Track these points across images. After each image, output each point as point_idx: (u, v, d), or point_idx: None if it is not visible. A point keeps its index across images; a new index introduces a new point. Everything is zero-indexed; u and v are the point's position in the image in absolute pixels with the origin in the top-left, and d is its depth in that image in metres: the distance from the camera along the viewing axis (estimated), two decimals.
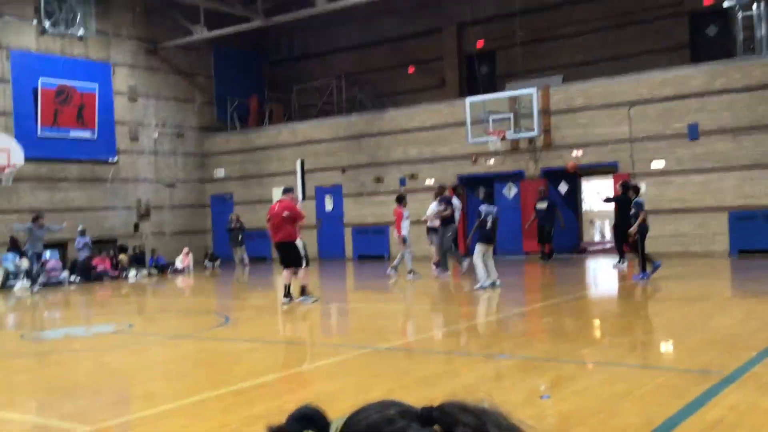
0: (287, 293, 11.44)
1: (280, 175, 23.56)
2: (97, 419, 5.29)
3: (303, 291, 11.64)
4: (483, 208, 12.40)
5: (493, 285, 12.15)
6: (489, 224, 12.23)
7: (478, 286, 12.05)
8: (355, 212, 22.34)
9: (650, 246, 17.55)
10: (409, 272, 15.00)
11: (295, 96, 25.80)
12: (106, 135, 22.12)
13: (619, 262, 15.32)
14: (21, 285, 17.86)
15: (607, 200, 15.74)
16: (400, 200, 15.54)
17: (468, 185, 20.67)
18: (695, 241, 17.11)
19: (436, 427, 1.38)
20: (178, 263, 21.27)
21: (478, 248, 12.25)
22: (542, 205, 17.47)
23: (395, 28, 24.09)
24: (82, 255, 19.90)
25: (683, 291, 11.48)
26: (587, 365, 6.59)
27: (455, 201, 15.85)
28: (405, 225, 15.21)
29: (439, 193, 15.27)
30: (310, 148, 23.03)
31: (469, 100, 19.54)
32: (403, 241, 15.27)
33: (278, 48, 27.12)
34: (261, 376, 6.41)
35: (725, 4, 18.09)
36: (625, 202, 14.05)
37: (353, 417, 1.52)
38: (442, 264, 15.23)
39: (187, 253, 21.59)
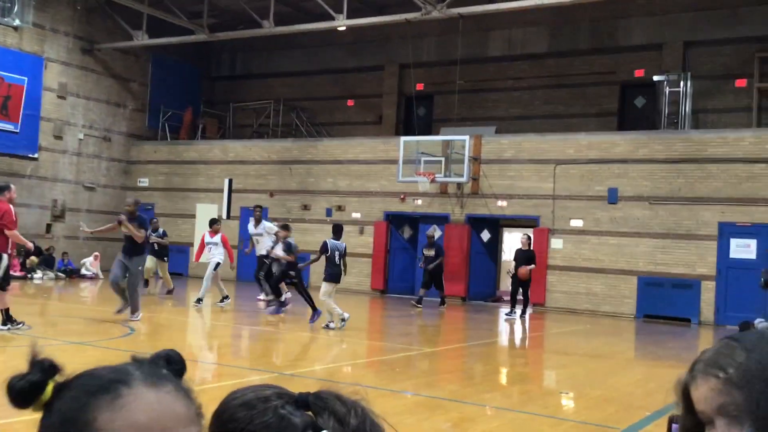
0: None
1: (206, 191, 23.22)
2: None
3: (6, 317, 9.51)
4: (330, 243, 11.51)
5: (342, 321, 11.46)
6: (337, 260, 11.47)
7: (331, 323, 11.42)
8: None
9: (564, 302, 18.06)
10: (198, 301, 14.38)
11: (231, 114, 25.60)
12: (30, 130, 21.37)
13: (510, 312, 15.81)
14: None
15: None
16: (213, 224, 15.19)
17: (394, 223, 20.83)
18: (605, 302, 17.66)
19: (309, 412, 1.43)
20: (86, 268, 20.47)
21: (326, 287, 11.41)
22: (429, 252, 17.16)
23: (339, 60, 24.29)
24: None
25: (589, 348, 11.80)
26: (489, 409, 6.68)
27: (268, 225, 15.87)
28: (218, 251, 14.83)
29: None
30: (240, 167, 22.81)
31: (403, 139, 19.79)
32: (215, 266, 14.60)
33: (219, 64, 26.92)
34: None
35: (655, 78, 19.00)
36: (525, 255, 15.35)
37: (230, 395, 1.54)
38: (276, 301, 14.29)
39: (97, 258, 20.84)
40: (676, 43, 19.72)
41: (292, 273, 12.84)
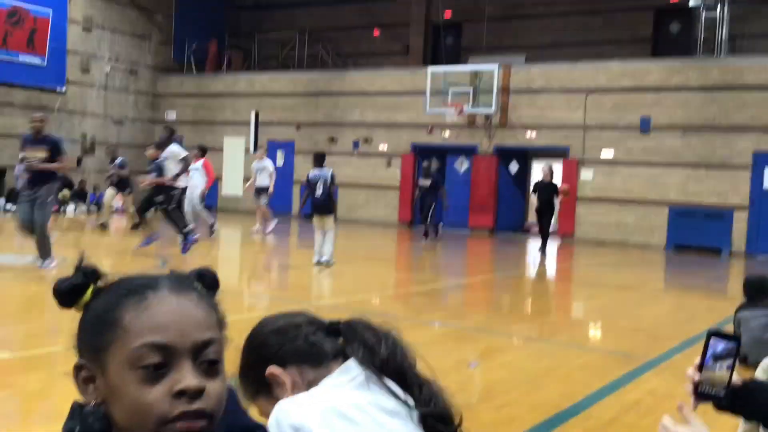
0: None
1: (233, 125, 23.20)
2: (19, 347, 5.19)
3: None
4: (311, 173, 10.73)
5: (319, 263, 10.60)
6: (319, 191, 10.46)
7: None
8: (307, 170, 22.11)
9: (594, 233, 17.95)
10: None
11: (257, 46, 25.32)
12: (57, 63, 21.38)
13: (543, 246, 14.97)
14: None
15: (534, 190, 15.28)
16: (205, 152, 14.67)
17: (421, 155, 20.70)
18: (635, 233, 17.52)
19: (339, 339, 1.44)
20: (115, 202, 20.65)
21: (327, 223, 10.62)
22: (425, 183, 16.25)
23: None
24: (21, 183, 19.31)
25: (618, 279, 11.77)
26: (516, 339, 6.73)
27: (267, 162, 15.80)
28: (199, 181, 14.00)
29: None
30: (266, 100, 22.70)
31: (431, 69, 19.49)
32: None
33: None
34: None
35: (690, 3, 18.35)
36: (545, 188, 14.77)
37: (262, 321, 1.55)
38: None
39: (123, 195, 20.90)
40: None
41: (160, 198, 11.54)
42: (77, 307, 0.96)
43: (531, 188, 15.38)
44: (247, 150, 22.41)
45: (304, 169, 22.11)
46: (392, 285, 10.35)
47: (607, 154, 17.95)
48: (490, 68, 18.64)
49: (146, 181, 11.74)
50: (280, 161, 22.75)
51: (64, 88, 21.70)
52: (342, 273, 10.72)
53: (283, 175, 22.68)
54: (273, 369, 1.41)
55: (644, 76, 17.57)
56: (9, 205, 18.74)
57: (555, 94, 18.52)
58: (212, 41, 24.83)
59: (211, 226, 13.84)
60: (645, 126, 17.37)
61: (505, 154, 19.47)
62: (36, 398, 4.19)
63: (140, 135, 24.07)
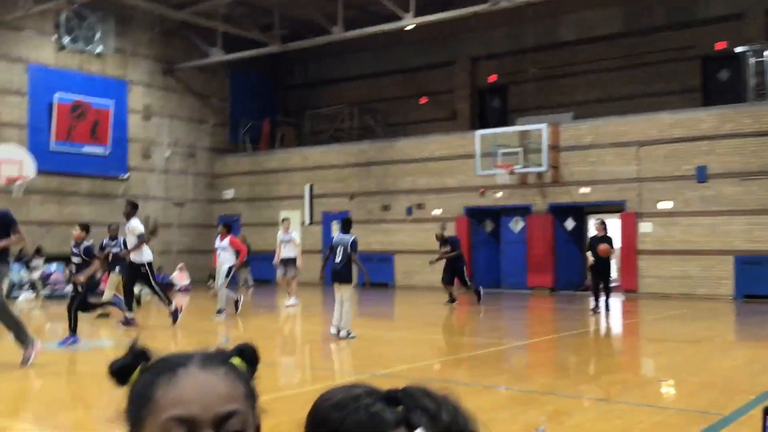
0: None
1: (288, 199, 23.66)
2: (91, 431, 5.31)
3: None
4: (335, 237, 10.52)
5: (338, 334, 10.11)
6: (338, 257, 10.05)
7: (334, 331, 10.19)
8: (362, 239, 22.28)
9: (657, 287, 17.52)
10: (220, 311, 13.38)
11: (307, 121, 26.01)
12: (119, 151, 22.32)
13: (596, 307, 14.06)
14: (25, 296, 17.94)
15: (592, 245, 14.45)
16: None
17: (474, 217, 20.71)
18: (701, 284, 17.04)
19: (399, 408, 1.45)
20: (177, 281, 21.11)
21: (343, 291, 10.18)
22: (445, 249, 16.33)
23: (409, 59, 24.33)
24: None
25: (686, 333, 11.43)
26: (585, 401, 6.57)
27: (294, 234, 16.13)
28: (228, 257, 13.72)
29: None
30: (319, 173, 23.16)
31: (479, 132, 19.67)
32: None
33: (292, 73, 27.40)
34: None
35: (737, 50, 18.23)
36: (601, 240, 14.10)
37: (321, 397, 1.59)
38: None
39: (182, 268, 21.35)
40: (756, 11, 18.87)
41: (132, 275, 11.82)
42: (128, 384, 1.06)
43: (587, 245, 14.66)
44: (302, 223, 22.77)
45: (360, 239, 22.28)
46: (453, 350, 10.26)
47: (664, 205, 17.67)
48: (538, 128, 18.72)
49: (80, 278, 10.35)
50: (335, 232, 23.02)
51: (126, 175, 22.56)
52: (400, 340, 10.69)
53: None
54: None
55: (696, 124, 17.38)
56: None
57: (606, 149, 18.43)
58: (265, 120, 25.64)
59: (236, 302, 13.65)
60: (701, 175, 17.09)
61: (559, 212, 19.33)
62: None
63: (200, 215, 24.76)
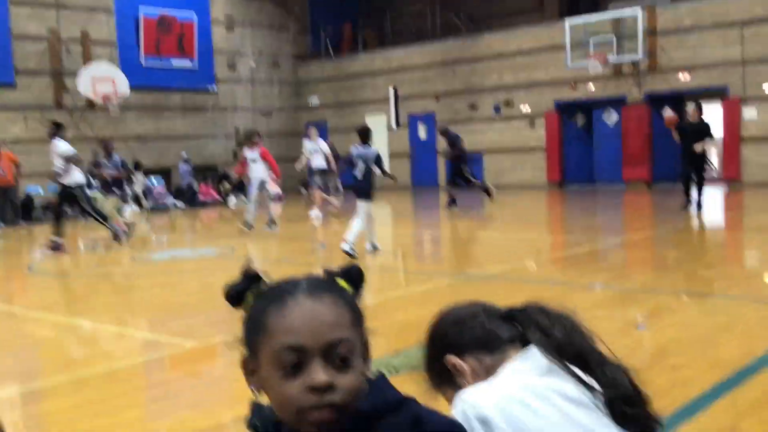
0: None
1: (373, 103, 23.54)
2: (202, 336, 5.60)
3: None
4: (354, 150, 9.40)
5: (375, 249, 9.43)
6: (360, 173, 9.23)
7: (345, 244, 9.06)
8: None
9: (763, 175, 16.70)
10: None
11: (388, 22, 25.46)
12: (206, 64, 22.60)
13: (686, 204, 12.65)
14: (130, 209, 18.82)
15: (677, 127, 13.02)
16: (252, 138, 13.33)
17: (566, 112, 20.08)
18: None
19: (514, 325, 1.46)
20: (270, 190, 21.38)
21: (360, 205, 9.27)
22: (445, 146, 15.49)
23: None
24: (186, 181, 20.73)
25: None
26: (686, 297, 6.42)
27: (321, 143, 15.07)
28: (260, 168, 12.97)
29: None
30: (403, 74, 22.83)
31: (568, 21, 18.79)
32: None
33: None
34: None
35: None
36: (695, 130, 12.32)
37: (443, 313, 1.62)
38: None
39: (273, 178, 21.46)
40: None
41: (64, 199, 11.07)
42: (243, 307, 1.11)
43: (677, 134, 12.82)
44: (389, 127, 22.69)
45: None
46: (548, 249, 10.17)
47: None
48: (633, 13, 17.69)
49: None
50: (422, 134, 22.88)
51: (215, 87, 22.90)
52: (493, 240, 10.67)
53: (426, 147, 22.80)
54: (451, 358, 1.46)
55: None
56: (177, 203, 20.13)
57: (707, 31, 17.31)
58: (346, 24, 25.27)
59: (270, 220, 12.81)
60: None
61: (657, 101, 18.47)
62: (220, 384, 4.51)
63: (287, 123, 25.03)
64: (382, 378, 1.12)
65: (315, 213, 14.66)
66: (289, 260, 9.64)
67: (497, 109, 21.02)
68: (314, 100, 25.28)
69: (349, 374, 1.03)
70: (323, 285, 1.09)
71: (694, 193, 12.45)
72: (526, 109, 20.42)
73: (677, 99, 18.89)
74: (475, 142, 21.51)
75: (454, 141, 15.32)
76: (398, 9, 25.31)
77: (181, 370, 4.94)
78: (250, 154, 12.97)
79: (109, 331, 6.12)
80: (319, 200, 14.88)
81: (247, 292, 1.11)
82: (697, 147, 12.20)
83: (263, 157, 12.89)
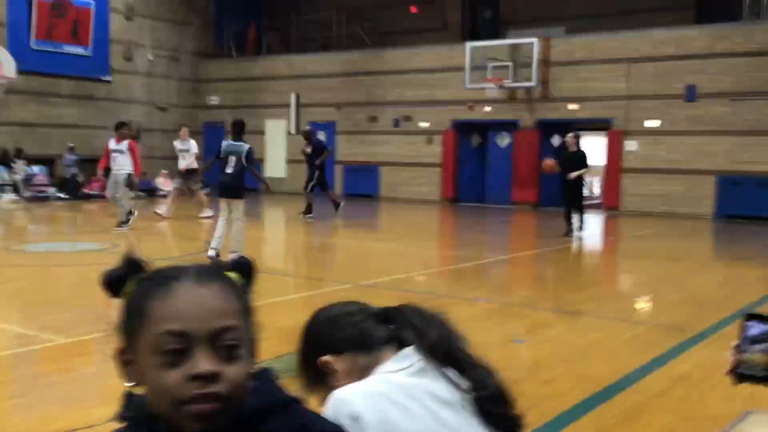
0: None
1: (274, 107, 23.35)
2: (76, 332, 5.37)
3: None
4: (224, 144, 8.78)
5: (217, 257, 8.43)
6: (230, 168, 8.50)
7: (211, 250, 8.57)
8: (348, 150, 22.26)
9: (640, 205, 17.70)
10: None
11: (294, 27, 25.37)
12: (101, 53, 21.76)
13: (568, 231, 12.70)
14: (8, 197, 17.84)
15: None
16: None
17: (462, 131, 20.59)
18: (683, 203, 17.21)
19: (390, 325, 1.47)
20: (161, 187, 20.71)
21: (234, 209, 8.61)
22: (308, 149, 14.97)
23: None
24: (70, 172, 19.84)
25: (666, 250, 11.61)
26: (563, 314, 6.71)
27: (191, 143, 14.60)
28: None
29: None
30: (306, 82, 22.78)
31: (469, 44, 19.33)
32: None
33: None
34: None
35: None
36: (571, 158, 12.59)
37: (317, 312, 1.61)
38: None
39: (166, 176, 20.83)
40: None
41: None
42: (122, 295, 1.04)
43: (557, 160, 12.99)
44: (288, 132, 22.55)
45: (346, 150, 22.26)
46: (435, 262, 10.38)
47: (651, 123, 17.63)
48: (529, 41, 18.40)
49: None
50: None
51: (109, 77, 22.09)
52: (384, 251, 10.79)
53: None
54: (325, 357, 1.45)
55: (688, 42, 17.16)
56: (60, 194, 19.23)
57: (597, 65, 18.22)
58: (251, 25, 24.97)
59: (128, 213, 12.14)
60: (691, 94, 16.99)
61: (547, 128, 19.25)
62: (93, 381, 4.34)
63: (184, 121, 24.37)
64: (268, 375, 1.06)
65: (206, 212, 14.06)
66: (175, 260, 9.40)
67: (396, 123, 21.31)
68: (214, 100, 24.79)
69: (235, 365, 0.96)
70: (212, 272, 1.02)
71: (575, 220, 12.66)
72: (424, 125, 20.80)
73: (566, 127, 19.76)
74: (373, 154, 21.72)
75: (321, 147, 15.05)
76: (304, 15, 25.25)
77: (51, 366, 4.72)
78: (116, 145, 12.18)
79: None
80: (202, 200, 14.32)
81: (128, 279, 1.04)
82: (571, 175, 12.37)
83: (131, 151, 12.17)
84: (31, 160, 19.07)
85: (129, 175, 12.17)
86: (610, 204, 18.26)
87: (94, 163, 21.04)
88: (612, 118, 18.12)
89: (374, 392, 1.30)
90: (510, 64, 18.64)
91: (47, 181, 19.52)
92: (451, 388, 1.34)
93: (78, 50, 21.19)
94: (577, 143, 12.78)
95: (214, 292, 0.99)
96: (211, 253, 8.38)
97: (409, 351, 1.40)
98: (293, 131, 21.92)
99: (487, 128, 20.28)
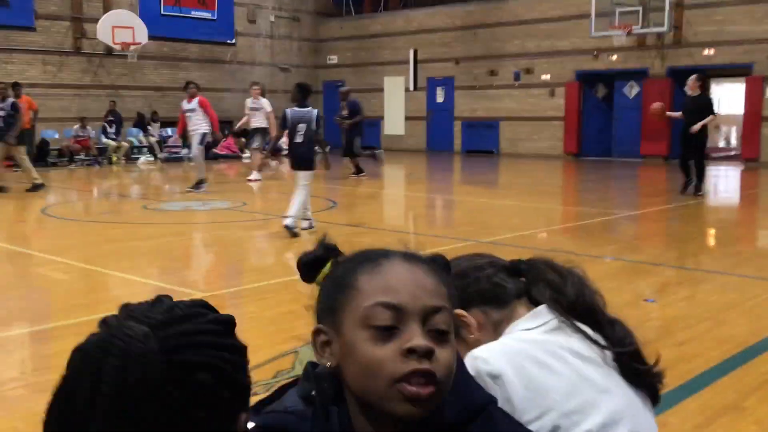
0: None
1: (393, 64, 23.32)
2: (212, 287, 5.63)
3: None
4: (289, 112, 8.00)
5: (292, 230, 7.72)
6: (300, 138, 7.86)
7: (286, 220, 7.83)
8: (467, 106, 21.98)
9: None
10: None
11: None
12: (225, 16, 22.40)
13: (685, 186, 11.58)
14: (144, 158, 18.87)
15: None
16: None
17: (587, 82, 19.84)
18: None
19: (522, 279, 1.42)
20: (284, 146, 21.15)
21: (300, 177, 7.94)
22: (343, 112, 14.48)
23: None
24: None
25: None
26: (697, 273, 6.39)
27: (264, 102, 13.89)
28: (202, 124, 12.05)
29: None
30: (424, 37, 22.57)
31: None
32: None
33: None
34: None
35: None
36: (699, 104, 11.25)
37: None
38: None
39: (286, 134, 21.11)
40: None
41: None
42: (318, 280, 1.02)
43: (680, 108, 11.84)
44: (407, 89, 22.51)
45: (464, 106, 21.99)
46: (560, 219, 10.13)
47: None
48: None
49: None
50: (440, 98, 22.69)
51: (234, 40, 22.74)
52: (506, 208, 10.64)
53: (444, 112, 22.64)
54: (458, 311, 1.43)
55: None
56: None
57: (736, 6, 16.96)
58: None
59: (199, 183, 11.99)
60: None
61: (680, 76, 18.15)
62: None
63: (306, 80, 24.80)
64: (465, 371, 1.01)
65: (255, 175, 13.68)
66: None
67: (517, 76, 20.79)
68: (333, 59, 25.02)
69: (447, 348, 0.90)
70: (418, 256, 1.00)
71: (693, 176, 11.45)
72: (546, 77, 20.18)
73: (701, 74, 18.61)
74: (493, 109, 21.34)
75: (356, 109, 14.54)
76: None
77: None
78: (188, 105, 11.98)
79: (120, 278, 6.17)
80: (257, 162, 13.75)
81: (324, 263, 1.01)
82: (694, 128, 11.08)
83: (203, 107, 11.92)
84: (165, 123, 20.02)
85: (204, 134, 11.99)
86: (749, 155, 17.15)
87: (223, 125, 21.91)
88: (752, 64, 16.88)
89: (514, 350, 1.27)
90: (639, 8, 17.67)
91: (180, 143, 20.45)
92: (591, 345, 1.29)
93: (204, 14, 21.89)
94: (703, 86, 11.51)
95: (425, 272, 0.95)
96: (288, 221, 7.73)
97: (543, 308, 1.35)
98: (411, 88, 21.86)
99: (613, 78, 19.42)
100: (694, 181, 11.42)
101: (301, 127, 7.81)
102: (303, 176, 7.88)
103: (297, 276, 1.04)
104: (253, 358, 0.87)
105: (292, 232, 7.65)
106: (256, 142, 14.05)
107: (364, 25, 24.36)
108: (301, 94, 8.00)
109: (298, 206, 7.79)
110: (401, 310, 0.89)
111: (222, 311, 0.88)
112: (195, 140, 12.11)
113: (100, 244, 7.72)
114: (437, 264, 1.01)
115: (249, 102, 14.48)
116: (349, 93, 15.14)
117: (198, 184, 11.96)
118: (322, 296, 0.98)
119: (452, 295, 0.98)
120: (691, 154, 11.36)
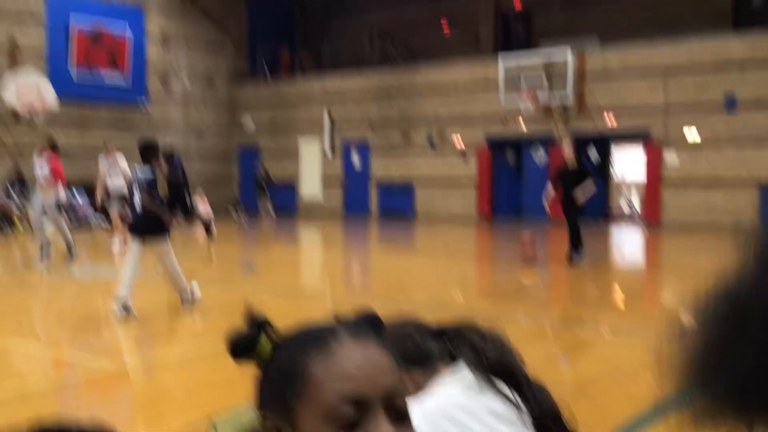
0: None
1: (308, 128, 23.52)
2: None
3: None
4: (136, 172, 7.37)
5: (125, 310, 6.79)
6: (138, 199, 7.12)
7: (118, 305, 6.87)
8: (382, 169, 22.31)
9: (681, 217, 17.37)
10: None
11: (327, 47, 25.60)
12: (138, 80, 22.18)
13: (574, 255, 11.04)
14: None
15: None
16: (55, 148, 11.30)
17: (496, 147, 20.50)
18: (725, 215, 16.86)
19: (445, 342, 1.45)
20: (200, 209, 20.77)
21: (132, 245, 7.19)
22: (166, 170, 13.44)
23: None
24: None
25: (708, 265, 11.32)
26: (607, 332, 6.58)
27: (121, 161, 12.98)
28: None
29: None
30: (339, 101, 22.92)
31: (503, 58, 19.27)
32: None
33: None
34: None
35: None
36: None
37: None
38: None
39: (203, 197, 20.72)
40: None
41: None
42: (257, 362, 0.94)
43: (552, 178, 11.81)
44: (324, 153, 22.70)
45: (380, 168, 22.30)
46: (474, 279, 10.28)
47: (690, 134, 17.36)
48: (563, 54, 18.29)
49: None
50: (355, 161, 22.96)
51: (145, 100, 22.48)
52: (421, 268, 10.73)
53: (360, 175, 22.88)
54: None
55: (726, 51, 16.89)
56: (99, 218, 19.55)
57: (633, 77, 18.02)
58: (284, 46, 25.28)
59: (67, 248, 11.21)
60: (730, 104, 16.70)
61: (583, 142, 19.06)
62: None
63: (219, 144, 24.75)
64: None
65: (116, 240, 12.87)
66: (217, 281, 9.45)
67: (431, 140, 21.29)
68: (249, 122, 25.04)
69: (406, 429, 0.86)
70: (362, 328, 0.93)
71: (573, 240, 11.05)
72: (459, 142, 20.75)
73: (603, 140, 19.57)
74: (407, 172, 21.73)
75: (179, 166, 13.85)
76: (336, 34, 25.47)
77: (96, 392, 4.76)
78: (38, 161, 11.00)
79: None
80: (119, 226, 12.72)
81: (259, 340, 0.93)
82: (578, 196, 10.89)
83: (51, 167, 10.81)
84: (72, 187, 19.38)
85: (57, 199, 11.05)
86: (650, 217, 17.98)
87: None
88: (649, 129, 17.87)
89: (432, 408, 1.27)
90: (544, 77, 18.52)
91: (88, 207, 19.82)
92: (508, 405, 1.31)
93: (117, 78, 21.61)
94: (574, 155, 11.13)
95: (375, 347, 0.89)
96: (116, 308, 6.82)
97: (464, 368, 1.37)
98: (328, 151, 22.06)
99: (522, 143, 20.15)
100: (578, 253, 10.85)
101: (136, 189, 7.09)
102: (159, 245, 7.04)
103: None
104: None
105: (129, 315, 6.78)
106: (117, 206, 12.94)
107: (280, 89, 24.56)
108: (146, 153, 7.26)
109: (128, 283, 6.87)
110: (363, 401, 0.85)
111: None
112: (51, 204, 10.96)
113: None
114: (375, 326, 0.98)
115: (104, 161, 13.29)
116: (172, 154, 14.07)
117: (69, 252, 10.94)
118: (269, 385, 0.91)
119: (396, 364, 0.94)
120: (570, 220, 10.96)
